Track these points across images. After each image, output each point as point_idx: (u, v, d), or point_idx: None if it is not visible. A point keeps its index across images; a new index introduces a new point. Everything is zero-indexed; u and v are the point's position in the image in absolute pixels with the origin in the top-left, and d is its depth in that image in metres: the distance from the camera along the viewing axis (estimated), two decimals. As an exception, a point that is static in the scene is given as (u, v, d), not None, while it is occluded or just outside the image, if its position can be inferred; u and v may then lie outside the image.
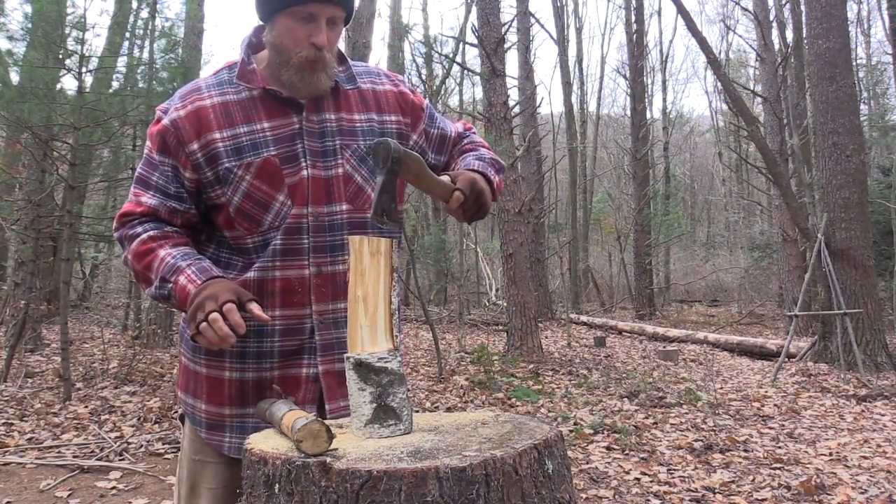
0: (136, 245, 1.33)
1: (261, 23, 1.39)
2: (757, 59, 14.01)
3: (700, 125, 33.01)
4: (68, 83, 6.46)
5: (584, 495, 3.26)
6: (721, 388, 6.29)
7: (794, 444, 4.25)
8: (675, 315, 16.85)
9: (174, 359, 6.80)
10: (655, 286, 18.41)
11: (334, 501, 0.84)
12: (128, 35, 8.40)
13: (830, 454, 4.03)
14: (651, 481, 3.50)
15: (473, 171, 1.40)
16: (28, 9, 5.78)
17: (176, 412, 4.58)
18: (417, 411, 4.28)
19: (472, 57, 19.40)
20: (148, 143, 1.39)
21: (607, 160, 27.37)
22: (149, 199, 1.36)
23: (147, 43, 8.36)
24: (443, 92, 16.90)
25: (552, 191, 20.15)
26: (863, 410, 5.30)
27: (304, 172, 1.34)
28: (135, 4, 7.94)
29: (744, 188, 23.79)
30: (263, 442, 1.01)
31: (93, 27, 6.75)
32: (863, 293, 7.31)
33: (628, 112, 19.77)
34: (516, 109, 10.61)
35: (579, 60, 22.56)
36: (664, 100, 24.73)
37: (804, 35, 9.19)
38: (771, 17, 13.65)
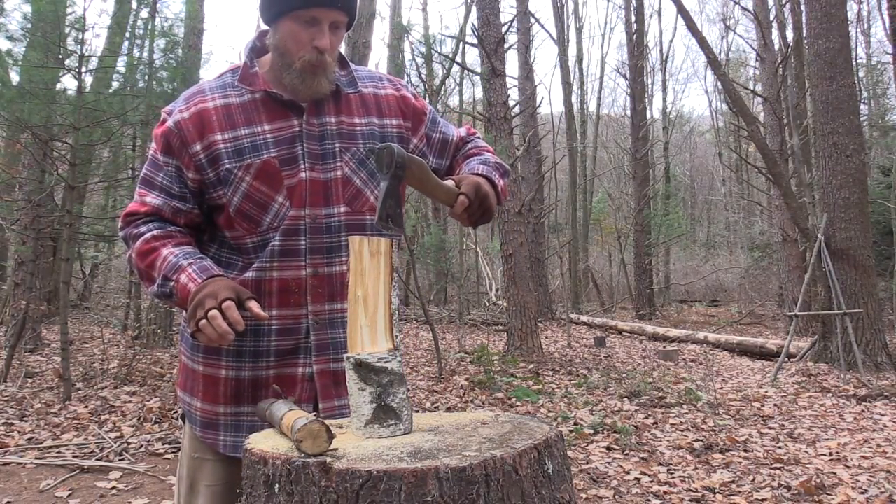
0: (139, 244, 1.35)
1: (265, 27, 1.41)
2: (757, 59, 14.01)
3: (700, 125, 33.06)
4: (68, 83, 6.46)
5: (584, 495, 3.26)
6: (721, 388, 6.29)
7: (794, 444, 4.25)
8: (675, 315, 16.85)
9: (174, 359, 6.80)
10: (655, 286, 18.42)
11: (334, 501, 0.84)
12: (128, 35, 8.39)
13: (830, 454, 4.03)
14: (651, 481, 3.50)
15: (478, 174, 1.40)
16: (27, 9, 5.79)
17: (176, 411, 4.59)
18: (417, 411, 4.28)
19: (473, 57, 19.43)
20: (153, 144, 1.41)
21: (607, 160, 27.39)
22: (153, 199, 1.38)
23: (147, 43, 8.35)
24: (443, 92, 16.88)
25: (552, 191, 20.15)
26: (863, 410, 5.30)
27: (303, 174, 1.36)
28: (135, 4, 7.95)
29: (744, 188, 23.78)
30: (263, 442, 1.01)
31: (92, 27, 6.76)
32: (863, 293, 7.31)
33: (628, 112, 19.77)
34: (516, 109, 10.62)
35: (579, 60, 22.59)
36: (664, 100, 24.81)
37: (804, 35, 9.19)
38: (771, 17, 13.66)
